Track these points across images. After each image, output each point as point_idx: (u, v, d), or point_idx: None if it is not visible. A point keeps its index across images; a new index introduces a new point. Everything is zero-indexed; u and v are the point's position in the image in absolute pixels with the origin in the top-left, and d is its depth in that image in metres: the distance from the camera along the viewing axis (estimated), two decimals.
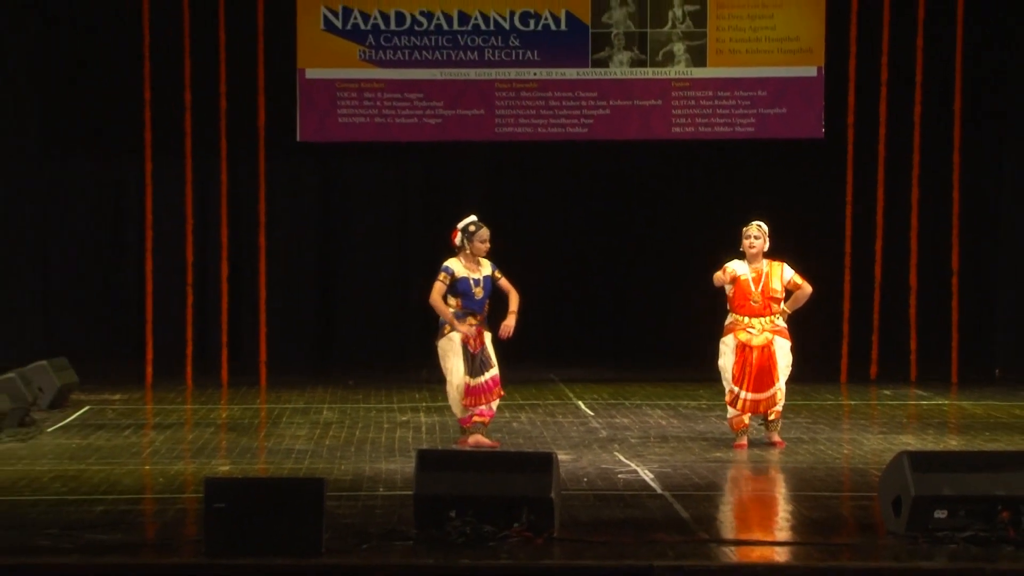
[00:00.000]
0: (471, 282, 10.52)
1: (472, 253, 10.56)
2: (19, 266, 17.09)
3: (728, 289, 10.69)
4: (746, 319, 10.60)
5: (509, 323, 10.60)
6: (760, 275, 10.60)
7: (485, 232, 10.55)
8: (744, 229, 10.71)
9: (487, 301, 10.61)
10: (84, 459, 10.11)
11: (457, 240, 10.61)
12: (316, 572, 6.78)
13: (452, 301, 10.54)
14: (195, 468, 9.83)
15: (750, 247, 10.60)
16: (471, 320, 10.53)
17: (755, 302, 10.57)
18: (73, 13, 16.67)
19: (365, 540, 7.18)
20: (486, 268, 10.61)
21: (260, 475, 9.63)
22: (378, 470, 9.61)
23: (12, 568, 6.78)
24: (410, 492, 7.47)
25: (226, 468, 9.90)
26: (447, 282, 10.49)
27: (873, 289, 15.78)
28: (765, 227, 10.72)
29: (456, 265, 10.56)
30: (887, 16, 15.62)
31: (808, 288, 10.68)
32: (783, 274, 10.65)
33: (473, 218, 10.64)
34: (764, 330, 10.57)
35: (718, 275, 10.70)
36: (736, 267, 10.65)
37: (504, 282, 10.66)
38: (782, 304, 10.64)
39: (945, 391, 14.62)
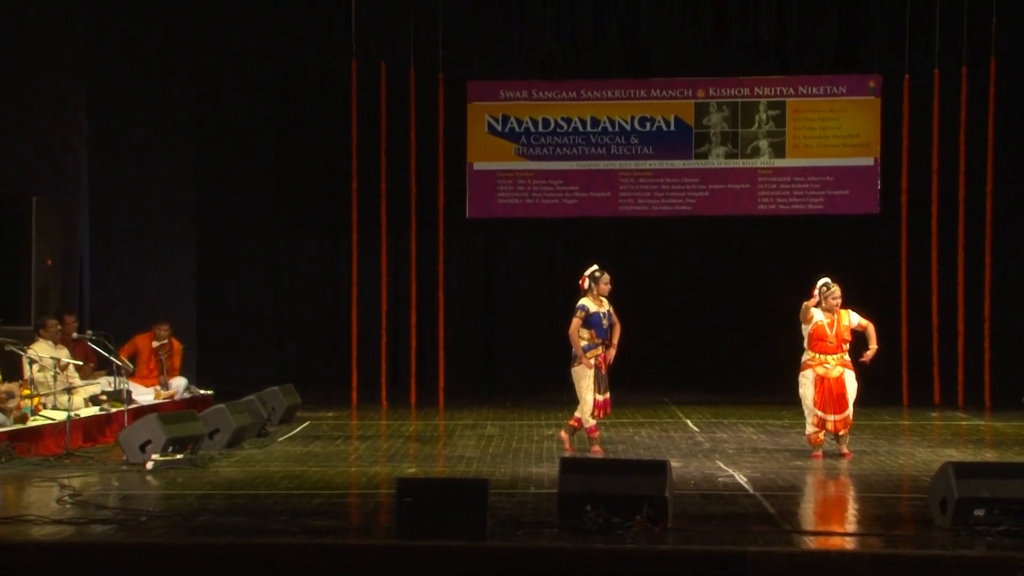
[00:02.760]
0: (600, 315, 10.53)
1: (598, 293, 10.56)
2: (257, 316, 17.48)
3: (805, 330, 10.49)
4: (822, 356, 10.41)
5: (610, 355, 10.58)
6: (833, 321, 10.43)
7: (607, 276, 10.61)
8: (832, 289, 10.40)
9: (610, 329, 10.58)
10: (305, 462, 10.20)
11: (585, 284, 10.64)
12: (481, 552, 6.74)
13: (585, 333, 10.52)
14: (389, 470, 9.86)
15: (833, 299, 10.39)
16: (599, 349, 10.49)
17: (830, 343, 10.38)
18: (297, 120, 17.08)
19: (520, 528, 7.13)
20: (606, 305, 10.60)
21: (439, 476, 9.63)
22: (529, 473, 9.55)
23: (252, 546, 6.86)
24: (555, 490, 7.40)
25: (413, 470, 9.91)
26: (582, 317, 10.50)
27: (931, 332, 15.37)
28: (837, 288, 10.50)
29: (589, 303, 10.56)
30: (936, 119, 15.37)
31: (871, 325, 10.48)
32: (851, 319, 10.46)
33: (596, 266, 10.67)
34: (836, 365, 10.38)
35: (807, 305, 10.43)
36: (816, 313, 10.46)
37: (614, 316, 10.65)
38: (871, 345, 10.39)
39: (982, 415, 14.13)
